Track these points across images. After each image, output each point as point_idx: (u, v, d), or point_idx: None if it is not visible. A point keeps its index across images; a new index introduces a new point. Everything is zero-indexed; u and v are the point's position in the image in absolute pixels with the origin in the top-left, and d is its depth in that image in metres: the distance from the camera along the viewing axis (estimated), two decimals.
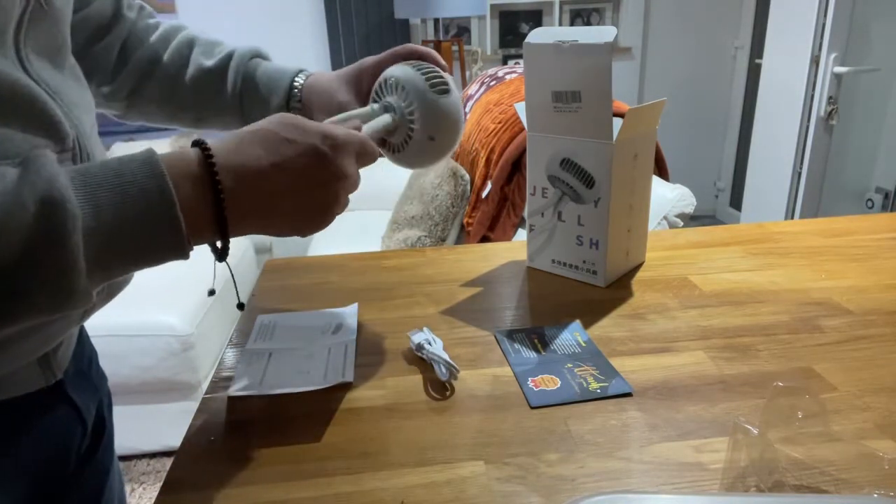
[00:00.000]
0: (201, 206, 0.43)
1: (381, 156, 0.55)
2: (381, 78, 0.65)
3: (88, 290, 0.39)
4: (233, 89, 0.71)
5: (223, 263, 0.49)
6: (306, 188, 0.47)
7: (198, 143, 0.45)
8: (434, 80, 0.63)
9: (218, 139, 0.46)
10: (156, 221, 0.40)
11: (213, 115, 0.74)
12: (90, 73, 0.69)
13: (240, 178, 0.45)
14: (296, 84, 0.71)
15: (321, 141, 0.48)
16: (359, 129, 0.56)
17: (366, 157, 0.52)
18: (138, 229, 0.40)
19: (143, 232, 0.40)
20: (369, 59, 0.69)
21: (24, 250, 0.36)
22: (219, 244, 0.46)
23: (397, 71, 0.64)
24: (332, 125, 0.50)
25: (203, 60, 0.71)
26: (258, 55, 0.73)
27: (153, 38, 0.71)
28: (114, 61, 0.70)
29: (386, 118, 0.62)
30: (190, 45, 0.72)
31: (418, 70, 0.63)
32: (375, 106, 0.64)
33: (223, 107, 0.73)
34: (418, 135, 0.63)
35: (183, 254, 0.42)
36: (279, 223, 0.48)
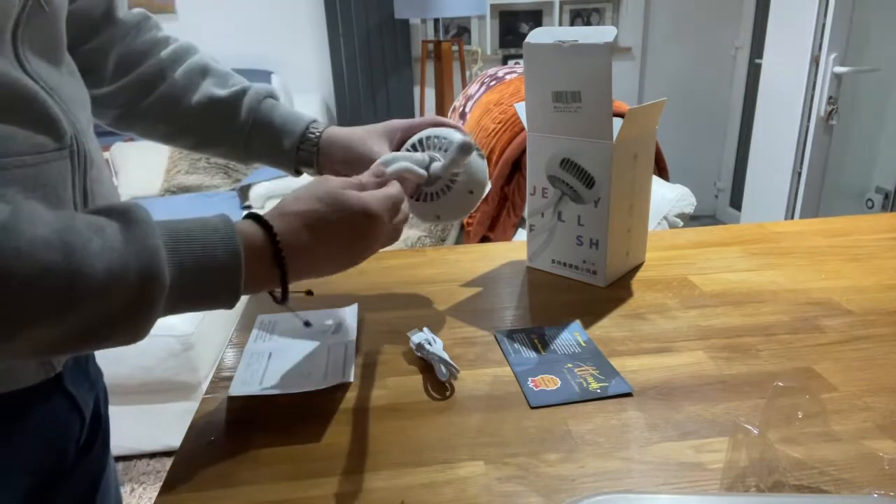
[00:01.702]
0: (266, 271, 0.50)
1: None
2: (425, 134, 0.69)
3: (148, 332, 0.45)
4: (243, 123, 0.72)
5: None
6: (346, 250, 0.54)
7: (254, 218, 0.51)
8: (475, 144, 0.68)
9: (272, 216, 0.51)
10: (224, 291, 0.47)
11: (215, 144, 0.74)
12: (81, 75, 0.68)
13: (294, 255, 0.51)
14: (311, 132, 0.72)
15: (361, 218, 0.53)
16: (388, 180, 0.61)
17: (399, 214, 0.58)
18: (207, 294, 0.46)
19: (210, 296, 0.47)
20: (398, 122, 0.72)
21: (118, 312, 0.41)
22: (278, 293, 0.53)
23: (442, 131, 0.69)
24: (370, 196, 0.55)
25: (215, 90, 0.72)
26: (271, 95, 0.74)
27: (164, 53, 0.71)
28: (110, 67, 0.69)
29: (427, 163, 0.67)
30: (203, 72, 0.72)
31: (461, 133, 0.69)
32: (425, 155, 0.67)
33: (227, 139, 0.73)
34: (460, 186, 0.68)
35: (230, 307, 0.49)
36: (325, 268, 0.55)
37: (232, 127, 0.72)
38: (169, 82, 0.71)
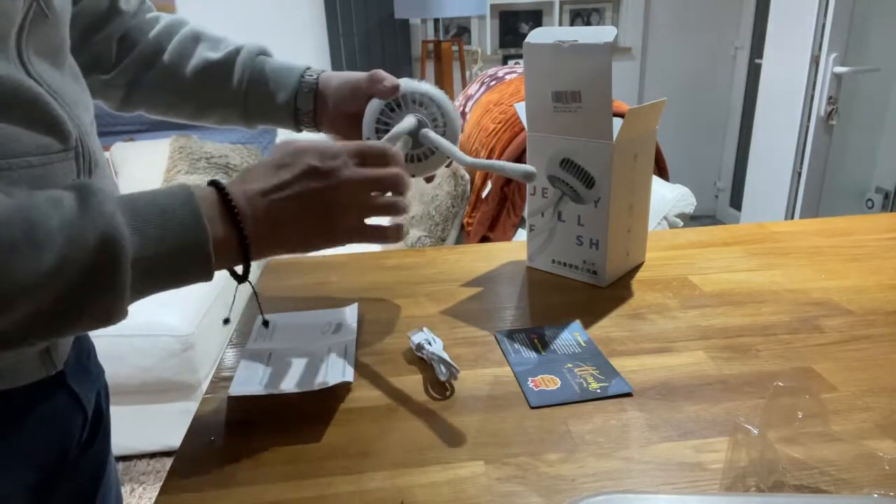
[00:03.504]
0: (223, 234, 0.48)
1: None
2: (404, 91, 0.67)
3: (125, 311, 0.45)
4: (238, 83, 0.72)
5: (246, 283, 0.54)
6: (308, 200, 0.51)
7: (212, 183, 0.50)
8: (453, 104, 0.68)
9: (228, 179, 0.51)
10: (191, 254, 0.46)
11: (214, 107, 0.74)
12: (91, 65, 0.70)
13: (248, 202, 0.49)
14: (305, 80, 0.71)
15: (314, 157, 0.51)
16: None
17: (372, 157, 0.54)
18: (176, 260, 0.46)
19: (180, 262, 0.46)
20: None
21: (83, 278, 0.41)
22: (239, 269, 0.52)
23: (421, 86, 0.68)
24: (330, 142, 0.54)
25: (209, 53, 0.72)
26: (264, 53, 0.74)
27: (154, 31, 0.72)
28: (114, 54, 0.71)
29: (412, 120, 0.66)
30: (196, 39, 0.73)
31: (432, 85, 0.68)
32: (413, 119, 0.66)
33: (226, 100, 0.73)
34: (441, 154, 0.67)
35: (209, 278, 0.48)
36: (292, 237, 0.52)
37: (228, 88, 0.72)
38: (166, 54, 0.72)
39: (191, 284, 0.47)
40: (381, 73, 0.67)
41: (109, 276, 0.42)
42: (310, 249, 0.53)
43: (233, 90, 0.72)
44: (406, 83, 0.68)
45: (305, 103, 0.71)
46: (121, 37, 0.71)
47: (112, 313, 0.44)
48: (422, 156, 0.68)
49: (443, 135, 0.68)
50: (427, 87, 0.68)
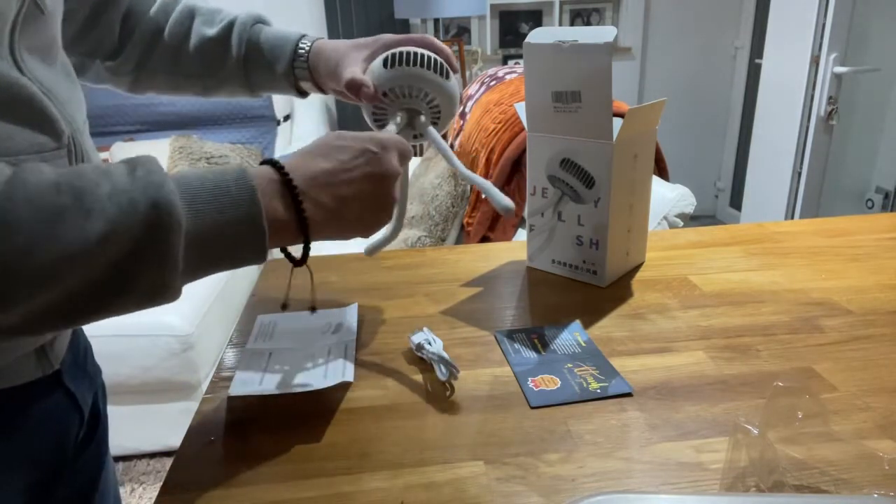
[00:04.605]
0: (282, 213, 0.48)
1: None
2: (382, 88, 0.66)
3: (179, 288, 0.44)
4: (237, 56, 0.72)
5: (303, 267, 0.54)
6: (367, 186, 0.52)
7: (268, 161, 0.49)
8: (439, 67, 0.66)
9: (282, 158, 0.50)
10: (245, 229, 0.45)
11: (219, 82, 0.75)
12: (96, 50, 0.70)
13: (309, 182, 0.49)
14: (301, 48, 0.71)
15: (371, 143, 0.53)
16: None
17: (406, 156, 0.57)
18: (229, 235, 0.45)
19: (233, 237, 0.45)
20: (388, 38, 0.69)
21: (134, 247, 0.40)
22: (295, 251, 0.52)
23: (396, 73, 0.65)
24: (377, 132, 0.54)
25: (205, 29, 0.72)
26: (260, 21, 0.74)
27: (153, 10, 0.72)
28: (117, 37, 0.71)
29: (402, 124, 0.66)
30: (191, 14, 0.73)
31: (422, 66, 0.65)
32: (401, 116, 0.66)
33: (227, 74, 0.74)
34: (444, 123, 0.68)
35: (263, 258, 0.47)
36: (349, 221, 0.52)
37: (228, 63, 0.73)
38: (165, 34, 0.72)
39: (245, 264, 0.47)
40: (356, 81, 0.65)
41: (160, 245, 0.41)
42: (359, 233, 0.54)
43: (232, 65, 0.73)
44: (382, 77, 0.65)
45: (302, 73, 0.72)
46: (123, 17, 0.71)
47: (163, 289, 0.42)
48: (415, 145, 0.68)
49: (437, 103, 0.66)
50: (399, 70, 0.65)
